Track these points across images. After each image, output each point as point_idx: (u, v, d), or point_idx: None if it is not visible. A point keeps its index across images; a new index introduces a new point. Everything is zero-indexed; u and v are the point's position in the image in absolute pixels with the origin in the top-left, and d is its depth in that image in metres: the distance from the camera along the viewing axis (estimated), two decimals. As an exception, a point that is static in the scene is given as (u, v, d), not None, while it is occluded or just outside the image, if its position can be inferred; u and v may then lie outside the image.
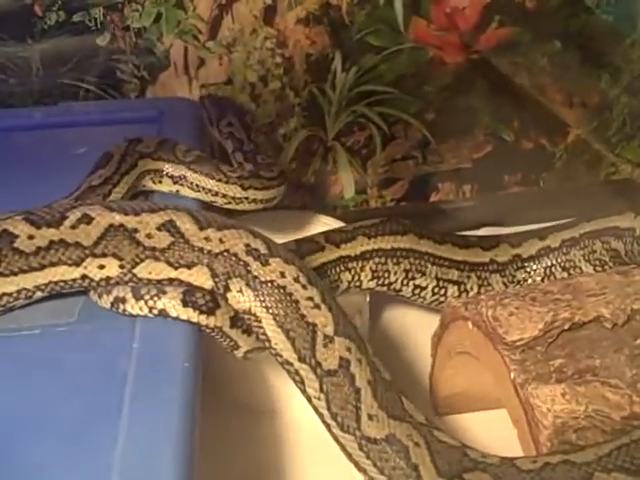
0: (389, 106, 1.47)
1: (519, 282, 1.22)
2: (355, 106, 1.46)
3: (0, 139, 1.23)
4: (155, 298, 0.86)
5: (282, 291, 0.84)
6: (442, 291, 1.19)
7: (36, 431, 0.72)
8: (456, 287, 1.19)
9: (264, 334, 0.86)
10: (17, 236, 0.83)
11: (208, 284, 0.86)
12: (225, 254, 0.85)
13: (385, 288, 1.17)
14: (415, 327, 1.31)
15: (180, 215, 0.86)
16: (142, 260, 0.85)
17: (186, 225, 0.85)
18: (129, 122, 1.26)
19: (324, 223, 1.35)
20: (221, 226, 0.86)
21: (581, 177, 1.62)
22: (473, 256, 1.21)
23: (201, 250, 0.85)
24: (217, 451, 1.00)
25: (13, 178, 1.11)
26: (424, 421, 0.83)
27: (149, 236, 0.85)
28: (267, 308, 0.85)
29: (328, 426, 0.84)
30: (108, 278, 0.86)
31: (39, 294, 0.86)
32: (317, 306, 0.84)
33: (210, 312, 0.86)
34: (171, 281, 0.86)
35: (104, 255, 0.85)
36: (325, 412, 0.83)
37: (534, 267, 1.23)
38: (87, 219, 0.84)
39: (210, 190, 1.09)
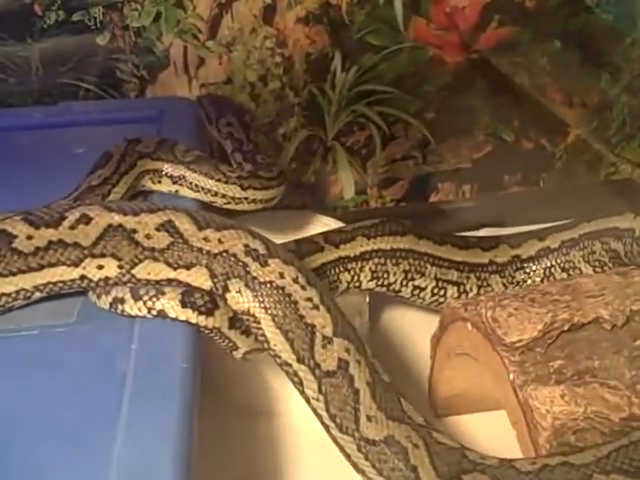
0: (389, 106, 1.47)
1: (518, 283, 1.22)
2: (355, 106, 1.46)
3: (-1, 139, 1.24)
4: (154, 299, 0.85)
5: (281, 292, 0.84)
6: (441, 292, 1.19)
7: (35, 431, 0.72)
8: (455, 288, 1.19)
9: (263, 335, 0.85)
10: (16, 236, 0.82)
11: (207, 285, 0.86)
12: (224, 254, 0.85)
13: (384, 289, 1.17)
14: (414, 328, 1.30)
15: (179, 215, 0.86)
16: (141, 260, 0.85)
17: (185, 225, 0.85)
18: (128, 122, 1.26)
19: (324, 223, 1.35)
20: (220, 226, 0.86)
21: (581, 177, 1.62)
22: (472, 257, 1.21)
23: (200, 250, 0.85)
24: (215, 452, 0.99)
25: (12, 178, 1.11)
26: (423, 422, 0.82)
27: (148, 236, 0.85)
28: (266, 309, 0.85)
29: (327, 427, 0.84)
30: (107, 278, 0.86)
31: (38, 294, 0.86)
32: (316, 307, 0.84)
33: (209, 313, 0.86)
34: (170, 282, 0.86)
35: (103, 255, 0.85)
36: (324, 413, 0.83)
37: (533, 268, 1.23)
38: (86, 219, 0.84)
39: (209, 190, 1.09)
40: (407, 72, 1.44)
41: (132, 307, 0.86)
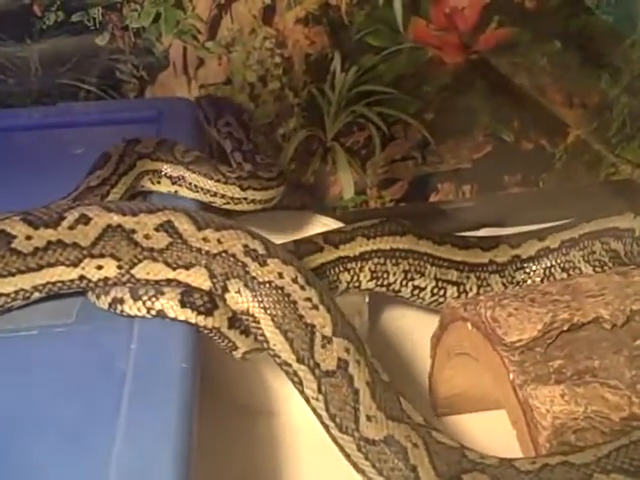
0: (388, 106, 1.47)
1: (518, 283, 1.22)
2: (354, 106, 1.46)
3: (-1, 139, 1.24)
4: (153, 299, 0.85)
5: (280, 292, 0.84)
6: (441, 292, 1.19)
7: (34, 431, 0.72)
8: (455, 288, 1.19)
9: (262, 335, 0.85)
10: (15, 236, 0.82)
11: (206, 285, 0.86)
12: (223, 255, 0.85)
13: (384, 289, 1.17)
14: (414, 328, 1.30)
15: (178, 216, 0.86)
16: (140, 261, 0.85)
17: (184, 226, 0.85)
18: (128, 122, 1.26)
19: (323, 224, 1.35)
20: (219, 227, 0.86)
21: (581, 178, 1.62)
22: (472, 257, 1.21)
23: (199, 251, 0.85)
24: (215, 451, 0.99)
25: (11, 178, 1.11)
26: (423, 422, 0.82)
27: (147, 237, 0.85)
28: (265, 309, 0.84)
29: (326, 427, 0.84)
30: (106, 279, 0.85)
31: (37, 295, 0.86)
32: (315, 307, 0.84)
33: (208, 313, 0.86)
34: (169, 282, 0.86)
35: (102, 256, 0.84)
36: (323, 413, 0.83)
37: (533, 268, 1.23)
38: (85, 219, 0.84)
39: (209, 190, 1.09)
40: (407, 73, 1.44)
41: (131, 307, 0.86)
